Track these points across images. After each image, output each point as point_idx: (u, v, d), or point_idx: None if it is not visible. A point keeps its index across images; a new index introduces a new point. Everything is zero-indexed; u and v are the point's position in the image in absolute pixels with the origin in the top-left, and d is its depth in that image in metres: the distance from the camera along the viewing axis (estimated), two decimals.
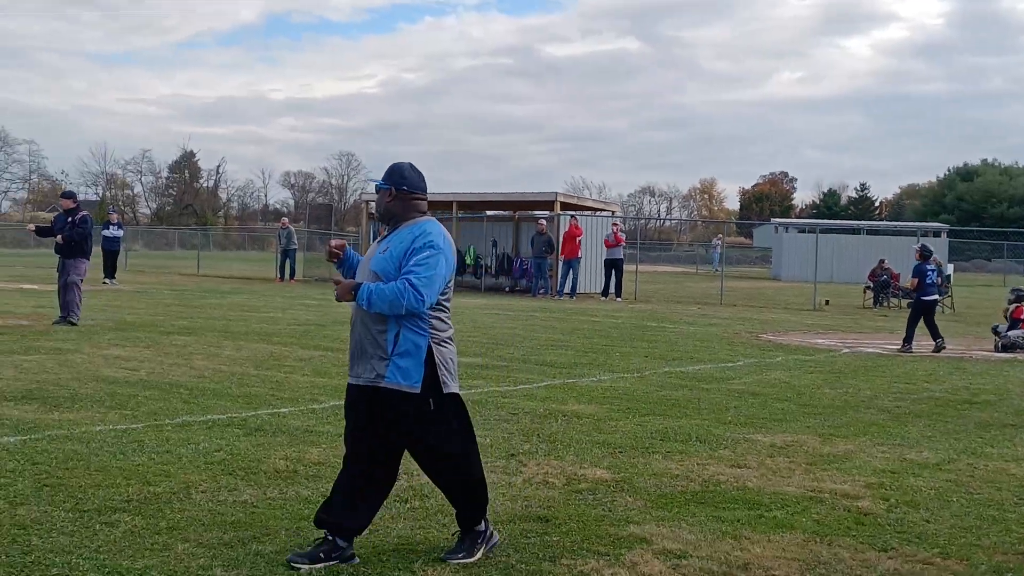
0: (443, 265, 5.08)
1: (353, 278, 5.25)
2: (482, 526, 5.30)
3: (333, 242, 5.39)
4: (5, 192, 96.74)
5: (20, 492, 6.08)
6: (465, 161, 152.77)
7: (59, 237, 16.10)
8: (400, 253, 5.07)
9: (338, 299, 5.13)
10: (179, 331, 15.76)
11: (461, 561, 5.11)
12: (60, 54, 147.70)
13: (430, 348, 5.10)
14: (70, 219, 16.12)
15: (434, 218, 5.33)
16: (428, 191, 5.33)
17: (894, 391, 11.75)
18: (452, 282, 5.27)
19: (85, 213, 16.41)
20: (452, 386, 5.18)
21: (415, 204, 5.24)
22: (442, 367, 5.12)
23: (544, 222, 30.37)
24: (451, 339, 5.27)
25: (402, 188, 5.20)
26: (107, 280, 30.16)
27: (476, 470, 5.30)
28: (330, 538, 5.07)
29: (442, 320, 5.20)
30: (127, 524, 5.54)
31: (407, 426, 5.10)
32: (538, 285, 30.20)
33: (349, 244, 5.97)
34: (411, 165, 5.31)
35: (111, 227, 31.53)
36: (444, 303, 5.22)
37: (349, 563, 5.03)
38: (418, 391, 5.05)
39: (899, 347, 16.64)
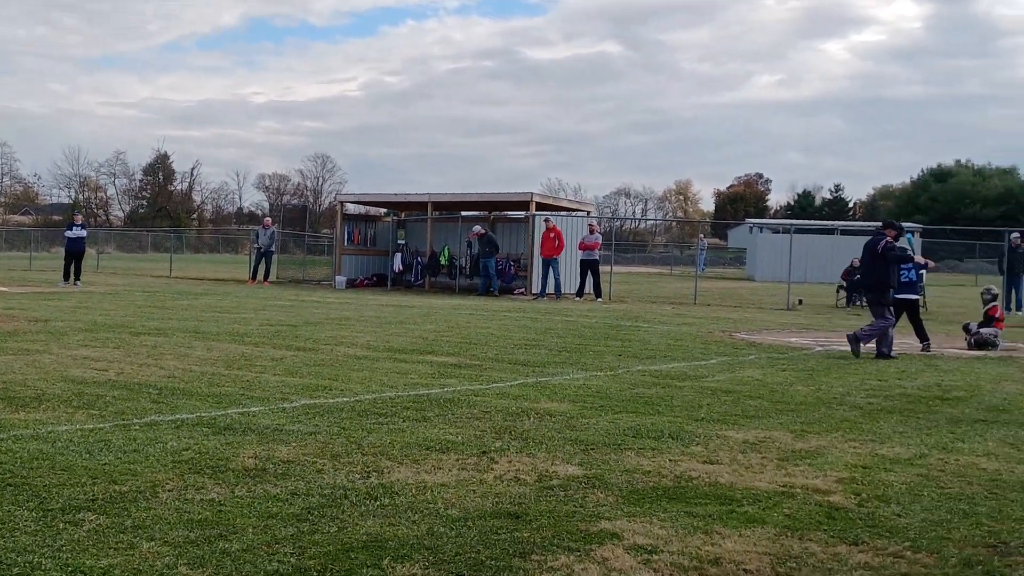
0: None
1: None
2: None
3: None
4: None
5: None
6: (445, 163, 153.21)
7: None
8: None
9: None
10: (150, 332, 15.62)
11: None
12: (42, 58, 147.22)
13: None
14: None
15: None
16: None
17: (866, 388, 11.75)
18: None
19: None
20: None
21: None
22: None
23: (478, 227, 31.41)
24: None
25: None
26: (77, 282, 29.91)
27: None
28: None
29: None
30: (92, 523, 5.45)
31: None
32: (484, 284, 30.89)
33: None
34: None
35: (75, 227, 31.04)
36: None
37: None
38: None
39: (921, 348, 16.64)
